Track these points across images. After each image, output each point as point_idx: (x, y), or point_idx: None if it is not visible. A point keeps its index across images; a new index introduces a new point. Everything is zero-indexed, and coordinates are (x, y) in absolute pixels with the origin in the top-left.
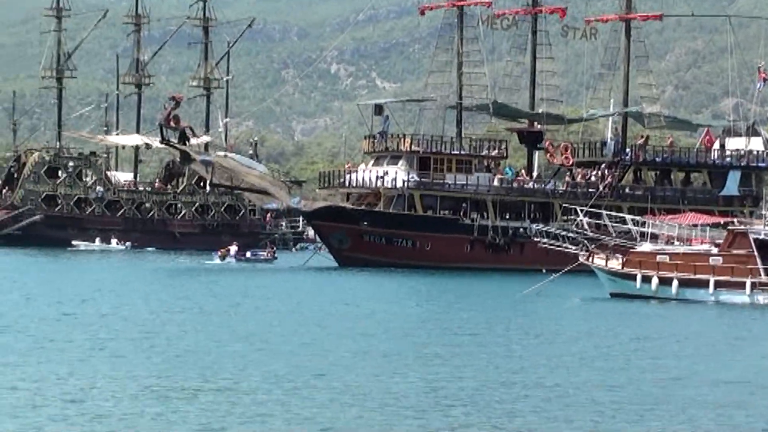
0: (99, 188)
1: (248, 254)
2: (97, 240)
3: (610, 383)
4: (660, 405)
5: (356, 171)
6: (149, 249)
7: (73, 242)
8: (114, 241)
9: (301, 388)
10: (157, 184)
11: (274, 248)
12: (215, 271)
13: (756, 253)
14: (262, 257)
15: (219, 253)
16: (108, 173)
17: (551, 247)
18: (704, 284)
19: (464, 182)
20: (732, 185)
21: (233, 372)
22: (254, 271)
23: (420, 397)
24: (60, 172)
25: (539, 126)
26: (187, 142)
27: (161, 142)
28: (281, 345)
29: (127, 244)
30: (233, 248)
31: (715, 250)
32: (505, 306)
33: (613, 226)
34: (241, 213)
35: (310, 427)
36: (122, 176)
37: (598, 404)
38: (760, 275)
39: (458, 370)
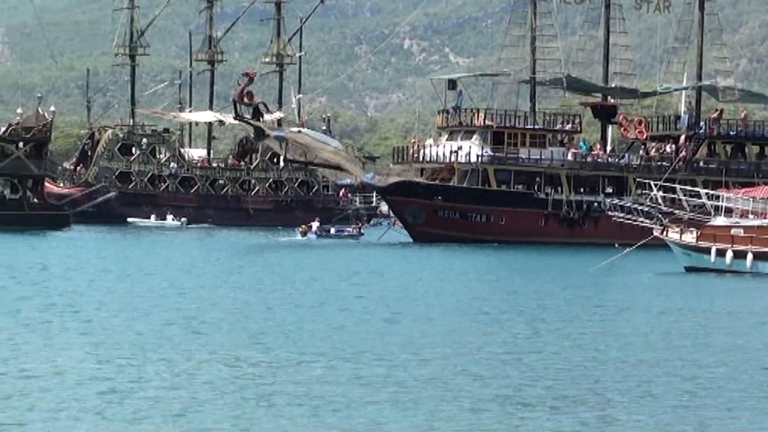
0: (173, 165)
1: (332, 230)
2: (152, 216)
3: (693, 359)
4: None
5: (422, 147)
6: (205, 225)
7: (129, 219)
8: (169, 216)
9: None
10: (230, 161)
11: (359, 223)
12: (298, 246)
13: None
14: (346, 233)
15: (300, 229)
16: (181, 150)
17: (625, 221)
18: None
19: (538, 157)
20: None
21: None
22: (333, 247)
23: (506, 371)
24: (134, 149)
25: (613, 100)
26: (260, 118)
27: (235, 119)
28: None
29: (183, 219)
30: (315, 224)
31: None
32: (580, 280)
33: (687, 200)
34: (315, 189)
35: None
36: (196, 153)
37: (684, 381)
38: None
39: (541, 345)
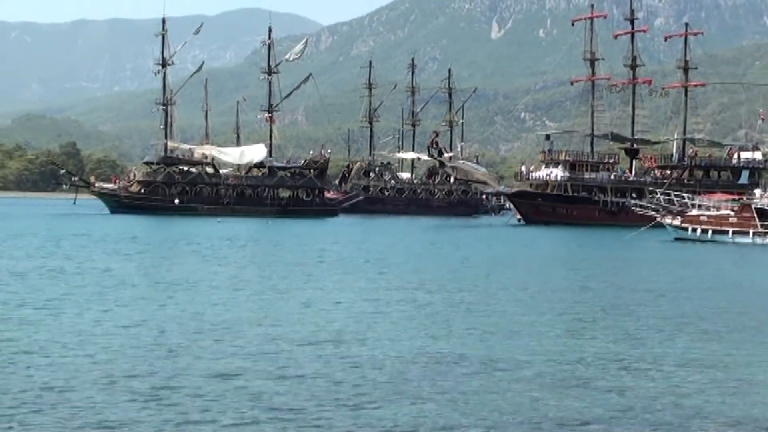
0: (392, 182)
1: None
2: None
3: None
4: None
5: (523, 171)
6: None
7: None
8: None
9: None
10: (424, 179)
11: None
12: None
13: (755, 215)
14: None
15: (516, 215)
16: (397, 174)
17: (643, 213)
18: (726, 233)
19: (595, 177)
20: (744, 178)
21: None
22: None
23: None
24: (371, 174)
25: (636, 146)
26: (442, 156)
27: (428, 156)
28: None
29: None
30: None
31: (732, 214)
32: (621, 246)
33: (677, 201)
34: (470, 194)
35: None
36: (405, 175)
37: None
38: (758, 228)
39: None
